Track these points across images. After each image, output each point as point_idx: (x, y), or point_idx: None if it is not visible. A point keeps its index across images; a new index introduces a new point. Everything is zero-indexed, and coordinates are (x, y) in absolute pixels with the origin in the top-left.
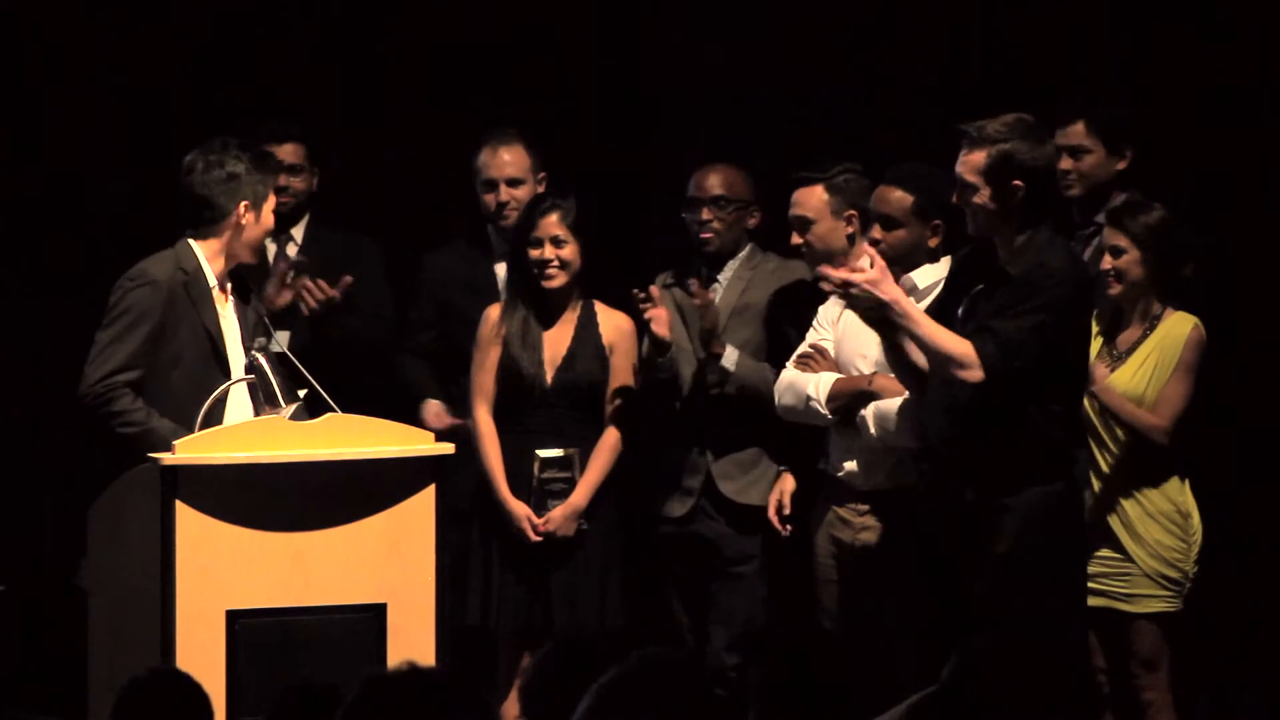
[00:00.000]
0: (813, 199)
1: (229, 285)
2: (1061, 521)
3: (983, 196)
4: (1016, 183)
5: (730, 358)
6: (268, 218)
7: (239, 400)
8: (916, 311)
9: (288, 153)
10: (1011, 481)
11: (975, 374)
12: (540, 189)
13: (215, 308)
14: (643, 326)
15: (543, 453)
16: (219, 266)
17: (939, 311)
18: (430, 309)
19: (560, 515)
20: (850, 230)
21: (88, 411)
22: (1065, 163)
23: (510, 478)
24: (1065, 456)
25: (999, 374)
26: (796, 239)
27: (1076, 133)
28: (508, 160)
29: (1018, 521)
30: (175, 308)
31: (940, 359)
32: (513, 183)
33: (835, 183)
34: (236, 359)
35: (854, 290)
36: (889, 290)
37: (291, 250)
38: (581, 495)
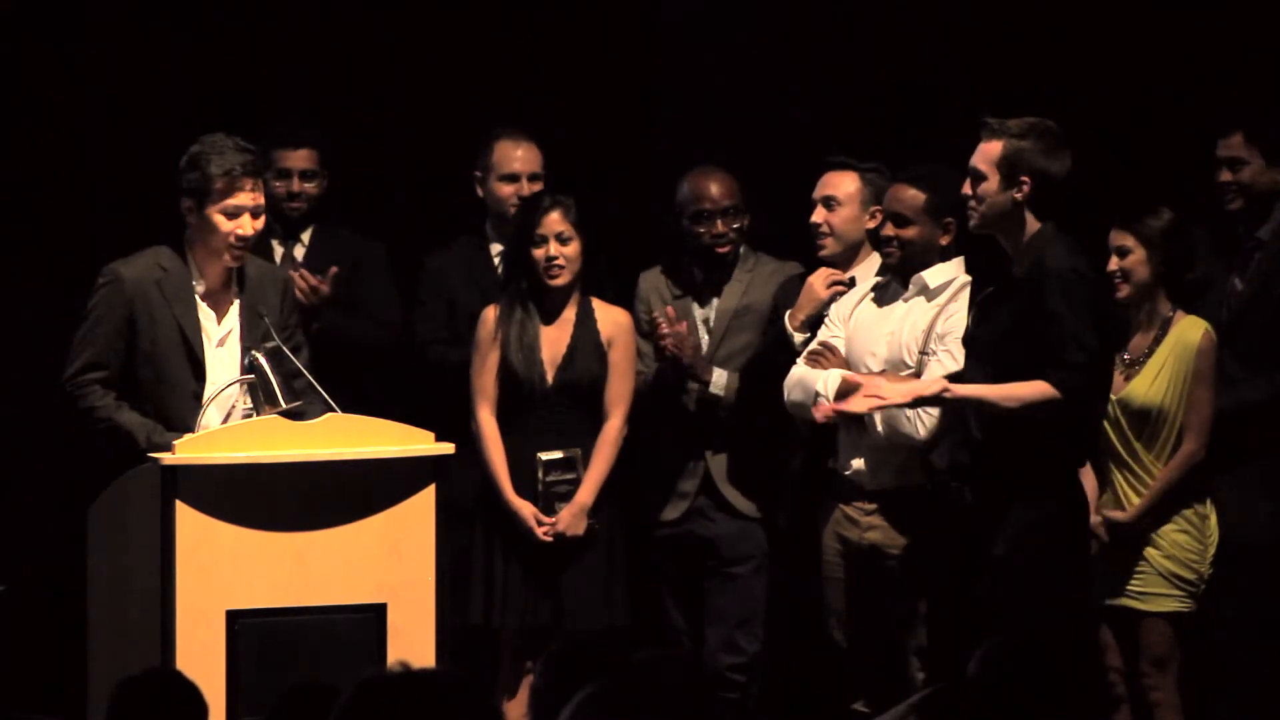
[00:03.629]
0: (846, 184)
1: (233, 286)
2: (1064, 527)
3: (989, 186)
4: (1024, 179)
5: (719, 382)
6: (218, 220)
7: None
8: (978, 389)
9: (302, 158)
10: (1015, 488)
11: (1064, 406)
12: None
13: (196, 306)
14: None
15: (544, 455)
16: (203, 265)
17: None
18: (441, 310)
19: (568, 515)
20: (871, 225)
21: (65, 406)
22: (1224, 175)
23: (514, 478)
24: (1071, 470)
25: (1086, 394)
26: (817, 217)
27: (1235, 144)
28: (529, 156)
29: (1019, 524)
30: (146, 304)
31: (1025, 410)
32: (534, 178)
33: (869, 176)
34: (216, 360)
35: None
36: (936, 386)
37: (299, 252)
38: (587, 492)
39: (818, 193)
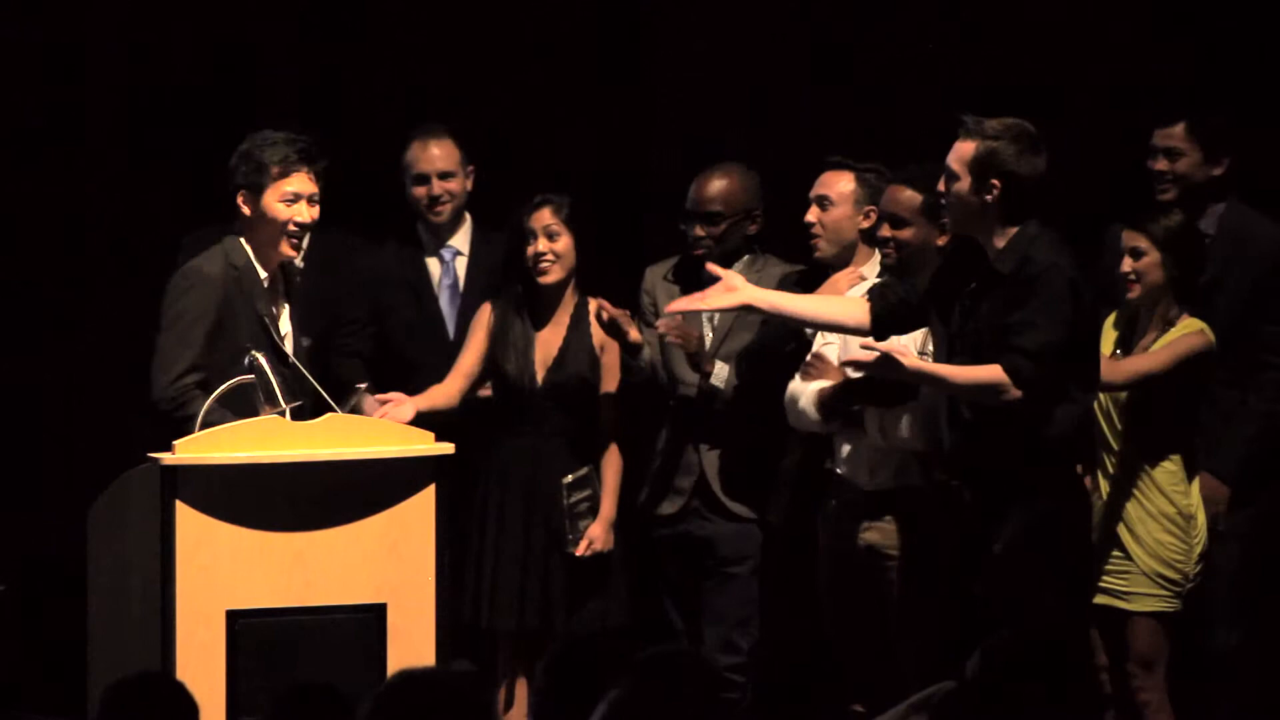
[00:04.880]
0: (840, 183)
1: (281, 283)
2: (1063, 527)
3: (962, 186)
4: (995, 181)
5: (720, 376)
6: (275, 209)
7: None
8: (934, 366)
9: None
10: (1013, 488)
11: (1013, 394)
12: (469, 183)
13: (268, 301)
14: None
15: (566, 479)
16: (263, 260)
17: (917, 303)
18: (363, 310)
19: (601, 532)
20: (865, 225)
21: (162, 417)
22: (1160, 164)
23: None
24: (1069, 465)
25: (1037, 384)
26: (811, 216)
27: (1175, 134)
28: (438, 154)
29: (1017, 524)
30: (230, 303)
31: (976, 394)
32: (445, 175)
33: (865, 176)
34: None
35: (870, 371)
36: (903, 363)
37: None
38: (610, 505)
39: (813, 192)
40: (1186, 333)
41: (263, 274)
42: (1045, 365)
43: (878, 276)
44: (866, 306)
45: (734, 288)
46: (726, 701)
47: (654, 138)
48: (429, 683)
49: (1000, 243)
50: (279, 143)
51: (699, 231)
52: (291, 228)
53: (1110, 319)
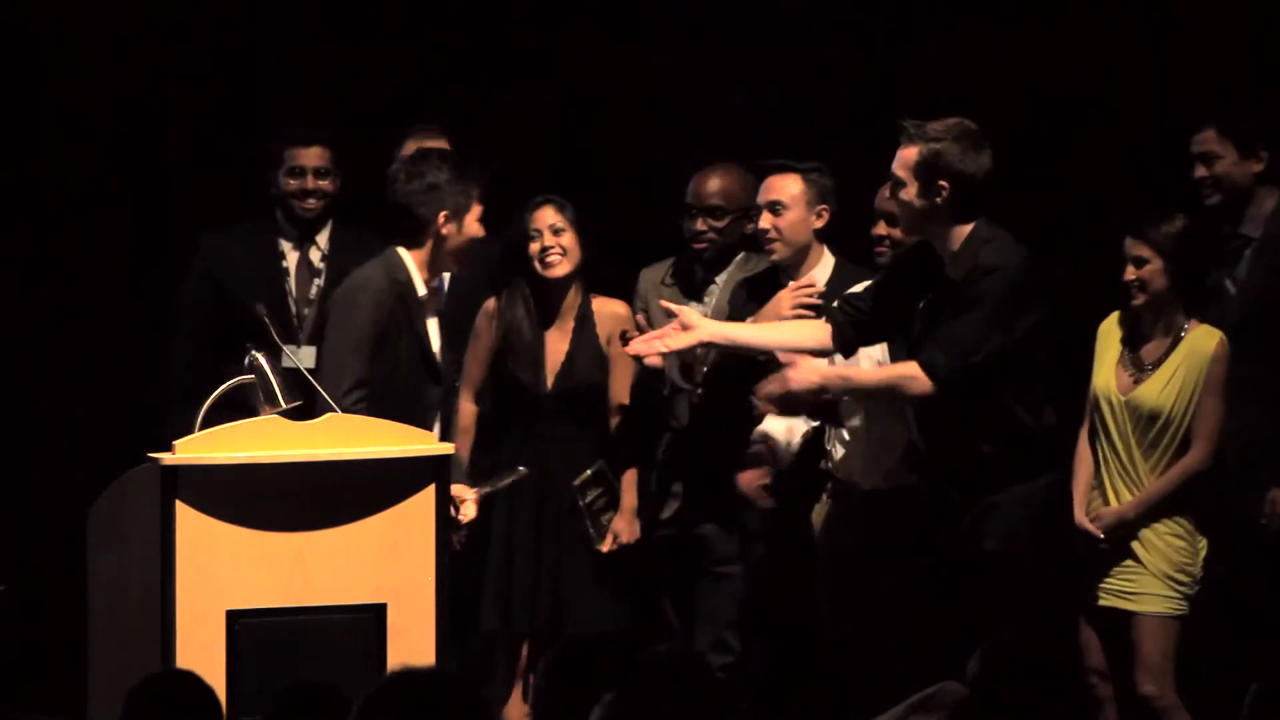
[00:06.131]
0: (790, 186)
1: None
2: (1049, 514)
3: (909, 193)
4: (942, 183)
5: None
6: (472, 227)
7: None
8: (843, 371)
9: (314, 156)
10: (996, 479)
11: (924, 384)
12: None
13: (424, 317)
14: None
15: (576, 481)
16: (424, 276)
17: (876, 314)
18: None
19: (624, 524)
20: (819, 224)
21: None
22: (1200, 171)
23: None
24: (1046, 448)
25: (952, 378)
26: (764, 223)
27: (1207, 139)
28: None
29: (1005, 518)
30: (394, 317)
31: (889, 392)
32: None
33: (811, 176)
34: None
35: (791, 390)
36: (813, 375)
37: (315, 255)
38: (630, 496)
39: (761, 198)
40: (1206, 345)
41: (422, 291)
42: (962, 361)
43: (832, 275)
44: (826, 328)
45: (691, 325)
46: (725, 703)
47: (656, 138)
48: (421, 682)
49: (954, 244)
50: (468, 164)
51: (700, 225)
52: (473, 245)
53: (1114, 317)
